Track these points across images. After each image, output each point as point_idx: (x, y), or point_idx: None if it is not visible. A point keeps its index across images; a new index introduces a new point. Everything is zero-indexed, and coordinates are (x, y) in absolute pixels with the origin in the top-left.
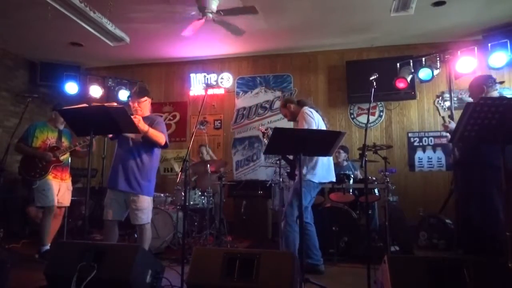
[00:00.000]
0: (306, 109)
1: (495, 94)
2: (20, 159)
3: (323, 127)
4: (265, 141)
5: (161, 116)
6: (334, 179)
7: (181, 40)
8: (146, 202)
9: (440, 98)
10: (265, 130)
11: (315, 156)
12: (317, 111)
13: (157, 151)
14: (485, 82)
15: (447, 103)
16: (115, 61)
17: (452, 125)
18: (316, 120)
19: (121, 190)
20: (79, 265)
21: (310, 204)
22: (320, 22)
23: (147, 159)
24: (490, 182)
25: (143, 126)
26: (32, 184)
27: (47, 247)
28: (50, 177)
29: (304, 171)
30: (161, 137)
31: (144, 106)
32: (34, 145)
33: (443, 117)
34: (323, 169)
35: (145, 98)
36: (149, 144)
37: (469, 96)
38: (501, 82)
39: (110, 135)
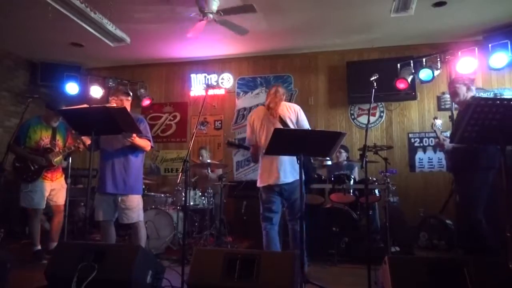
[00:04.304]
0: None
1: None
2: (12, 160)
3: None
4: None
5: (143, 116)
6: (273, 182)
7: (182, 41)
8: (135, 201)
9: (435, 120)
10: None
11: (317, 157)
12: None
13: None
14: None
15: (438, 122)
16: (116, 62)
17: (447, 142)
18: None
19: (109, 193)
20: (79, 266)
21: (265, 211)
22: (320, 23)
23: (133, 158)
24: (493, 184)
25: (139, 142)
26: (23, 187)
27: (38, 247)
28: (40, 179)
29: None
30: (146, 145)
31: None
32: (27, 145)
33: (437, 136)
34: (263, 172)
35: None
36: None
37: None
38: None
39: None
